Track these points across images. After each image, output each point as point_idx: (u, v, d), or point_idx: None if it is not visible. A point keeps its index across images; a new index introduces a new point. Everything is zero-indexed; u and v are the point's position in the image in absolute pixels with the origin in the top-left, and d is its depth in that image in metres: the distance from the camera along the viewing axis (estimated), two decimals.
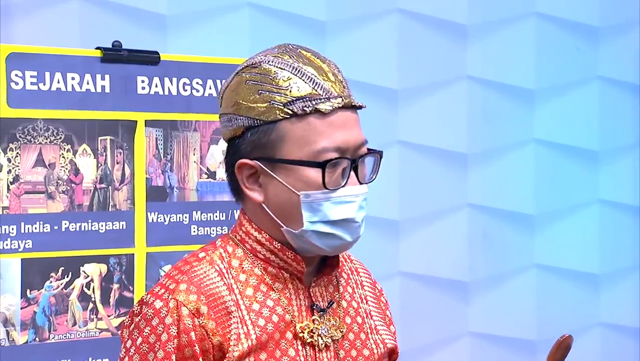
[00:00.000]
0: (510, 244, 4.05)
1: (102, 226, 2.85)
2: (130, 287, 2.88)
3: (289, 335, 1.75)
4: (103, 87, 2.85)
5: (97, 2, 3.22)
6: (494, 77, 4.00)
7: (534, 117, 4.09)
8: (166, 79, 2.93)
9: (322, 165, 1.71)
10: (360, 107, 1.77)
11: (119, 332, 1.76)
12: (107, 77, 2.85)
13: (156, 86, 2.92)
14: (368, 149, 1.77)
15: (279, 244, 1.76)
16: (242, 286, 1.75)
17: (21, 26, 3.18)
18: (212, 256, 1.78)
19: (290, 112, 1.71)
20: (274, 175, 1.73)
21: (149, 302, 1.72)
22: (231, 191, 1.81)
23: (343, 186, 1.72)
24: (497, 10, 4.00)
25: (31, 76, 2.76)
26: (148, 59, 2.91)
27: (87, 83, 2.82)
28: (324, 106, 1.71)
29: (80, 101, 2.81)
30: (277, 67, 1.72)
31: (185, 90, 2.96)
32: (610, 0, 4.20)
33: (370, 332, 1.86)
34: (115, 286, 2.87)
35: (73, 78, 2.81)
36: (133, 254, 2.89)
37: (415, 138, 3.91)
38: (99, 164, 2.85)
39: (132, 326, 1.73)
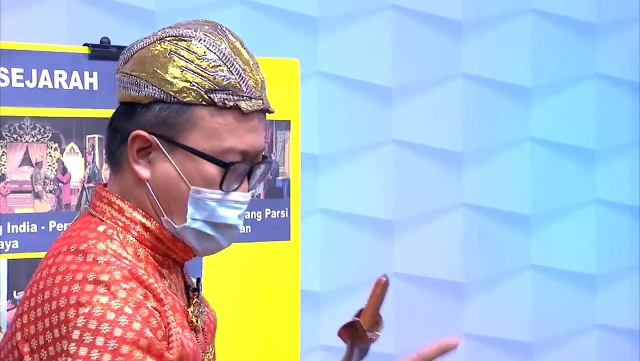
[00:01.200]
0: (506, 244, 4.03)
1: None
2: None
3: (185, 322, 1.65)
4: (91, 84, 2.81)
5: None
6: (489, 74, 3.98)
7: (530, 115, 4.06)
8: None
9: (227, 165, 1.61)
10: (271, 112, 1.68)
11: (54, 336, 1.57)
12: (95, 74, 2.81)
13: None
14: (264, 157, 1.68)
15: (169, 234, 1.65)
16: (148, 276, 1.60)
17: (7, 22, 3.15)
18: (114, 246, 1.61)
19: (209, 100, 1.60)
20: (170, 158, 1.62)
21: (86, 301, 1.52)
22: (107, 154, 1.69)
23: (234, 190, 1.63)
24: (493, 6, 3.97)
25: (18, 73, 2.72)
26: None
27: (75, 80, 2.79)
28: (245, 105, 1.62)
29: (67, 98, 2.77)
30: (207, 48, 1.61)
31: None
32: None
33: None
34: None
35: (60, 75, 2.77)
36: None
37: (409, 137, 3.89)
38: (87, 163, 2.82)
39: (77, 335, 1.51)
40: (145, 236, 1.65)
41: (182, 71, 1.61)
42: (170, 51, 1.62)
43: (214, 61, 1.60)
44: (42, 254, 2.69)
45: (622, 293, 4.22)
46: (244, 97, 1.61)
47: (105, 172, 2.84)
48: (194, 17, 3.63)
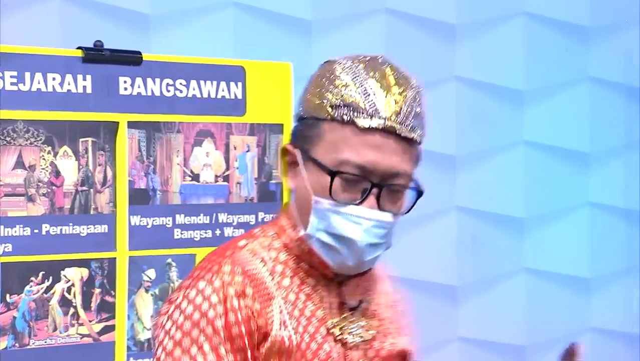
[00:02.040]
0: (499, 247, 4.02)
1: (83, 229, 2.80)
2: (112, 292, 2.84)
3: (323, 330, 1.76)
4: (84, 87, 2.81)
5: (78, 1, 3.18)
6: (482, 77, 3.97)
7: (524, 118, 4.06)
8: (149, 80, 2.89)
9: (332, 173, 1.70)
10: (410, 140, 1.74)
11: (155, 334, 1.76)
12: (88, 77, 2.81)
13: (139, 87, 2.88)
14: (402, 184, 1.74)
15: (307, 247, 1.77)
16: (279, 276, 1.76)
17: (1, 25, 3.13)
18: (252, 246, 1.78)
19: (332, 114, 1.71)
20: (303, 169, 1.75)
21: (190, 285, 1.72)
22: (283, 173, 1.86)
23: (354, 204, 1.71)
24: (486, 9, 3.97)
25: (11, 76, 2.72)
26: (130, 59, 2.87)
27: (68, 84, 2.78)
28: (362, 122, 1.70)
29: (61, 101, 2.77)
30: (343, 70, 1.73)
31: (169, 91, 2.92)
32: (600, 0, 4.18)
33: (390, 336, 1.88)
34: (97, 290, 2.83)
35: (54, 78, 2.77)
36: (115, 258, 2.85)
37: None
38: (80, 167, 2.81)
39: (172, 309, 1.72)
40: (291, 245, 1.78)
41: (318, 90, 1.74)
42: (317, 75, 1.77)
43: (346, 82, 1.72)
44: (35, 258, 2.71)
45: (615, 296, 4.22)
46: (364, 114, 1.70)
47: (99, 176, 2.83)
48: (188, 21, 3.64)
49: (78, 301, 2.80)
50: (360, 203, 1.71)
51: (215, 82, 2.99)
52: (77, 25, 3.14)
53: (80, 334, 2.81)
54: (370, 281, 1.88)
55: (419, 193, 1.80)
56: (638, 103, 4.27)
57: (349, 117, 1.70)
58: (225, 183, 3.03)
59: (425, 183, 4.03)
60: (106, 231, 2.84)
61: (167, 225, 2.93)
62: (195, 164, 2.98)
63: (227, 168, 3.03)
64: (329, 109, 1.72)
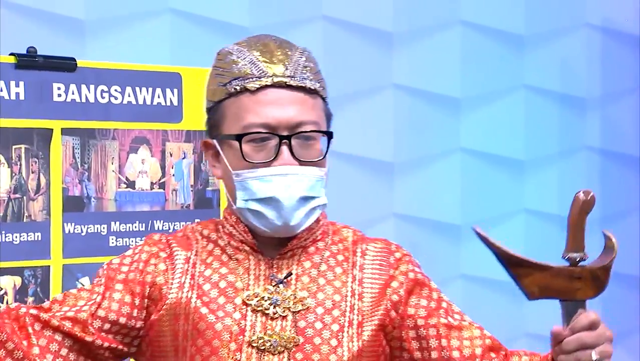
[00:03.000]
0: (436, 254, 4.04)
1: (16, 237, 2.77)
2: (45, 300, 2.80)
3: (238, 300, 1.81)
4: (17, 94, 2.78)
5: (12, 6, 3.14)
6: (419, 85, 3.99)
7: (460, 126, 4.08)
8: (83, 86, 2.87)
9: (238, 137, 1.78)
10: (305, 89, 1.81)
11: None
12: (21, 84, 2.78)
13: (73, 93, 2.86)
14: (309, 132, 1.80)
15: (234, 218, 1.86)
16: (205, 253, 1.86)
17: None
18: (186, 229, 1.92)
19: (227, 91, 1.81)
20: (221, 152, 1.83)
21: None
22: None
23: (270, 161, 1.78)
24: (423, 18, 3.99)
25: None
26: (64, 65, 2.84)
27: (1, 90, 2.76)
28: (252, 84, 1.79)
29: None
30: (229, 51, 1.84)
31: (103, 97, 2.90)
32: (534, 8, 4.22)
33: (348, 310, 1.85)
34: (30, 299, 2.79)
35: None
36: (49, 266, 2.82)
37: (341, 147, 3.87)
38: (13, 174, 2.78)
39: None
40: (224, 224, 1.88)
41: (214, 77, 1.85)
42: (211, 67, 1.87)
43: (233, 59, 1.82)
44: None
45: (549, 303, 4.25)
46: (253, 79, 1.79)
47: (32, 183, 2.80)
48: (123, 27, 3.62)
49: None
50: (275, 159, 1.78)
51: (151, 89, 2.97)
52: (10, 31, 3.10)
53: None
54: (331, 257, 1.89)
55: (329, 137, 1.86)
56: (572, 111, 4.31)
57: (240, 86, 1.79)
58: (162, 190, 3.01)
59: (363, 190, 4.04)
60: (40, 238, 2.81)
61: (102, 233, 2.91)
62: (131, 171, 2.96)
63: (163, 175, 3.01)
64: (224, 88, 1.81)
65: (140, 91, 2.96)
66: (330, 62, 3.89)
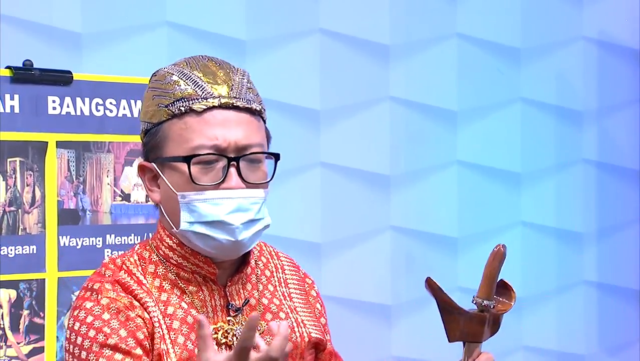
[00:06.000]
0: (433, 266, 4.04)
1: (11, 250, 2.77)
2: (41, 313, 2.81)
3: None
4: (12, 107, 2.78)
5: (8, 19, 3.14)
6: (416, 98, 3.99)
7: (457, 138, 4.08)
8: (78, 99, 2.87)
9: (187, 159, 1.75)
10: (251, 110, 1.79)
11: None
12: (16, 97, 2.78)
13: (68, 106, 2.86)
14: (257, 153, 1.79)
15: (189, 249, 1.80)
16: (157, 291, 1.80)
17: None
18: (128, 265, 1.82)
19: (170, 112, 1.77)
20: (162, 175, 1.79)
21: (77, 307, 1.78)
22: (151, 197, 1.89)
23: (218, 184, 1.75)
24: (419, 31, 3.99)
25: None
26: (60, 78, 2.85)
27: None
28: (198, 105, 1.76)
29: None
30: (168, 72, 1.81)
31: (98, 110, 2.90)
32: (531, 22, 4.23)
33: (296, 326, 1.89)
34: (26, 312, 2.79)
35: None
36: (44, 279, 2.82)
37: (337, 160, 3.88)
38: (8, 187, 2.78)
39: (68, 335, 1.78)
40: (170, 255, 1.82)
41: (153, 99, 1.81)
42: (147, 88, 1.85)
43: (174, 80, 1.80)
44: None
45: (546, 315, 4.25)
46: (198, 100, 1.77)
47: (27, 196, 2.80)
48: (120, 40, 3.62)
49: (6, 323, 2.77)
50: (223, 181, 1.76)
51: None
52: (6, 44, 3.11)
53: (8, 356, 2.77)
54: (262, 275, 1.89)
55: (277, 158, 1.83)
56: (569, 123, 4.31)
57: (186, 107, 1.77)
58: None
59: (359, 203, 4.03)
60: (35, 252, 2.81)
61: (97, 245, 2.91)
62: (126, 184, 2.97)
63: None
64: (166, 110, 1.78)
65: (136, 104, 2.96)
66: (327, 75, 3.90)
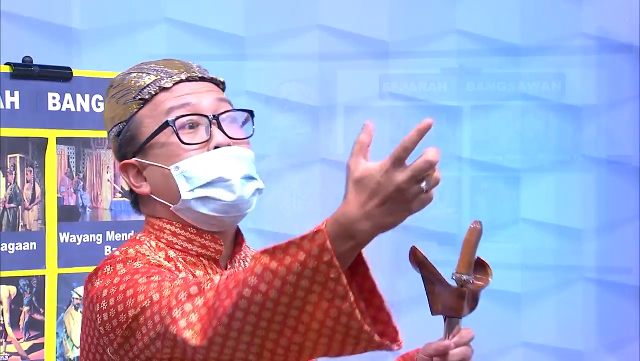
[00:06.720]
0: (435, 261, 4.04)
1: (11, 246, 2.77)
2: (40, 309, 2.81)
3: None
4: (12, 103, 2.78)
5: (7, 15, 3.15)
6: (416, 95, 3.99)
7: (458, 135, 4.08)
8: (78, 96, 2.87)
9: (171, 122, 1.76)
10: (215, 80, 1.83)
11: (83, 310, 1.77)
12: (16, 93, 2.78)
13: (68, 103, 2.86)
14: (234, 110, 1.81)
15: (194, 229, 1.79)
16: (176, 271, 1.77)
17: None
18: (141, 250, 1.77)
19: (141, 100, 1.78)
20: (148, 161, 1.78)
21: (105, 264, 1.72)
22: (132, 205, 1.87)
23: (205, 144, 1.76)
24: (418, 27, 3.99)
25: None
26: (60, 75, 2.85)
27: None
28: (167, 82, 1.78)
29: None
30: (124, 74, 1.83)
31: (98, 107, 2.90)
32: (531, 18, 4.23)
33: None
34: (25, 308, 2.79)
35: None
36: (44, 275, 2.82)
37: (339, 156, 3.89)
38: (8, 183, 2.78)
39: (93, 282, 1.71)
40: (174, 242, 1.79)
41: (117, 101, 1.81)
42: (108, 97, 1.84)
43: (135, 76, 1.81)
44: None
45: (546, 312, 4.26)
46: (165, 79, 1.79)
47: (27, 192, 2.80)
48: (119, 36, 3.62)
49: (5, 319, 2.76)
50: (209, 140, 1.76)
51: None
52: (6, 40, 3.11)
53: (8, 353, 2.77)
54: (245, 261, 1.88)
55: (252, 115, 1.85)
56: (569, 119, 4.32)
57: (154, 89, 1.78)
58: None
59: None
60: (35, 248, 2.81)
61: (97, 242, 2.90)
62: None
63: None
64: (135, 101, 1.79)
65: None
66: (325, 72, 3.91)
